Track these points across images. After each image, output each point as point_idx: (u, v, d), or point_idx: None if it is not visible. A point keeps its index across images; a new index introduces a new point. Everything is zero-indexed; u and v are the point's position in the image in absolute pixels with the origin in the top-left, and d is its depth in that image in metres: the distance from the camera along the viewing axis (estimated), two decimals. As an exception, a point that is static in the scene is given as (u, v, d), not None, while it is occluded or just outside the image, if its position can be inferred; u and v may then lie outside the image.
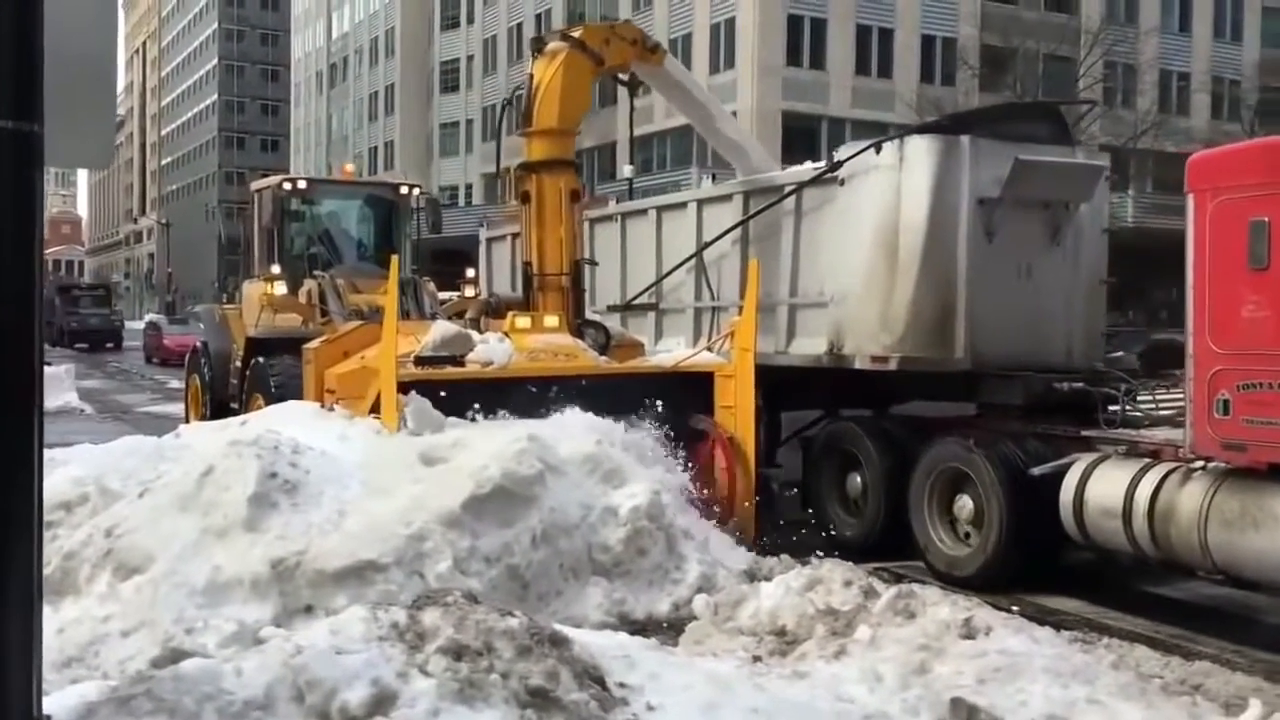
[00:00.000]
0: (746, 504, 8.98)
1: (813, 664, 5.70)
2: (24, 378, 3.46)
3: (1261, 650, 6.92)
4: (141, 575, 6.47)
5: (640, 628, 6.79)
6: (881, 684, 5.37)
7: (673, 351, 10.58)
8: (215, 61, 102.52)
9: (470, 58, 60.82)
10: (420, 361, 8.74)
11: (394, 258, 8.73)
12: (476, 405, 8.22)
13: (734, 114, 40.63)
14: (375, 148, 68.07)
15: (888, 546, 9.25)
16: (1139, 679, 5.59)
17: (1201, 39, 49.23)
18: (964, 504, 8.68)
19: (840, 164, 9.82)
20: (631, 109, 32.50)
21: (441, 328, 9.24)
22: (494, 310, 11.59)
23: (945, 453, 8.87)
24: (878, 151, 9.44)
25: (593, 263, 11.75)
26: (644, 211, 12.83)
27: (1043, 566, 8.36)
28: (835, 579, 6.70)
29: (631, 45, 11.26)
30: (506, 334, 9.47)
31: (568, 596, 7.07)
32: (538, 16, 54.98)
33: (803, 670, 5.59)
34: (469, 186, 58.92)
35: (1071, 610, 7.85)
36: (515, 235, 15.00)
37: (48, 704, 3.73)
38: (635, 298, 12.19)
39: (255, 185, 13.99)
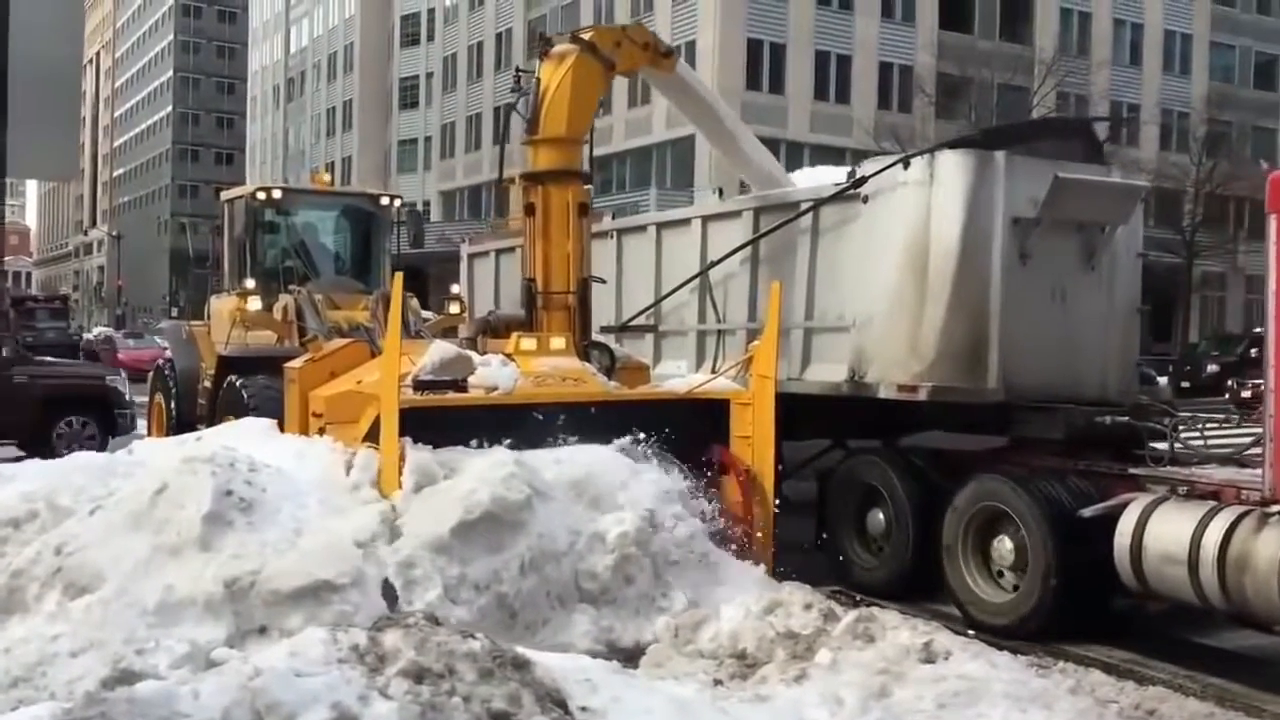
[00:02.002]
0: (763, 538, 8.32)
1: (774, 687, 5.70)
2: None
3: (1212, 676, 7.00)
4: (91, 594, 6.33)
5: (629, 657, 6.61)
6: (842, 708, 5.38)
7: (679, 376, 10.02)
8: (171, 73, 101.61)
9: (430, 75, 60.81)
10: (419, 386, 8.00)
11: (398, 274, 8.10)
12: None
13: (693, 136, 41.32)
14: (332, 163, 67.59)
15: (914, 589, 8.67)
16: (1096, 704, 5.66)
17: (1151, 72, 50.29)
18: (1003, 546, 8.02)
19: (864, 180, 9.24)
20: (591, 130, 32.55)
21: (440, 348, 8.48)
22: (494, 329, 10.96)
23: (982, 490, 8.19)
24: (906, 167, 8.90)
25: (600, 280, 10.93)
26: (643, 228, 12.30)
27: (1091, 616, 7.77)
28: (795, 602, 6.70)
29: (643, 49, 10.65)
30: (510, 356, 8.83)
31: (555, 625, 6.86)
32: (498, 35, 55.15)
33: (764, 694, 5.59)
34: (426, 203, 58.70)
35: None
36: (500, 251, 14.52)
37: (-3, 727, 3.64)
38: (633, 318, 11.53)
39: (226, 195, 13.41)
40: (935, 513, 8.50)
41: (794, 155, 40.05)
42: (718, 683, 5.90)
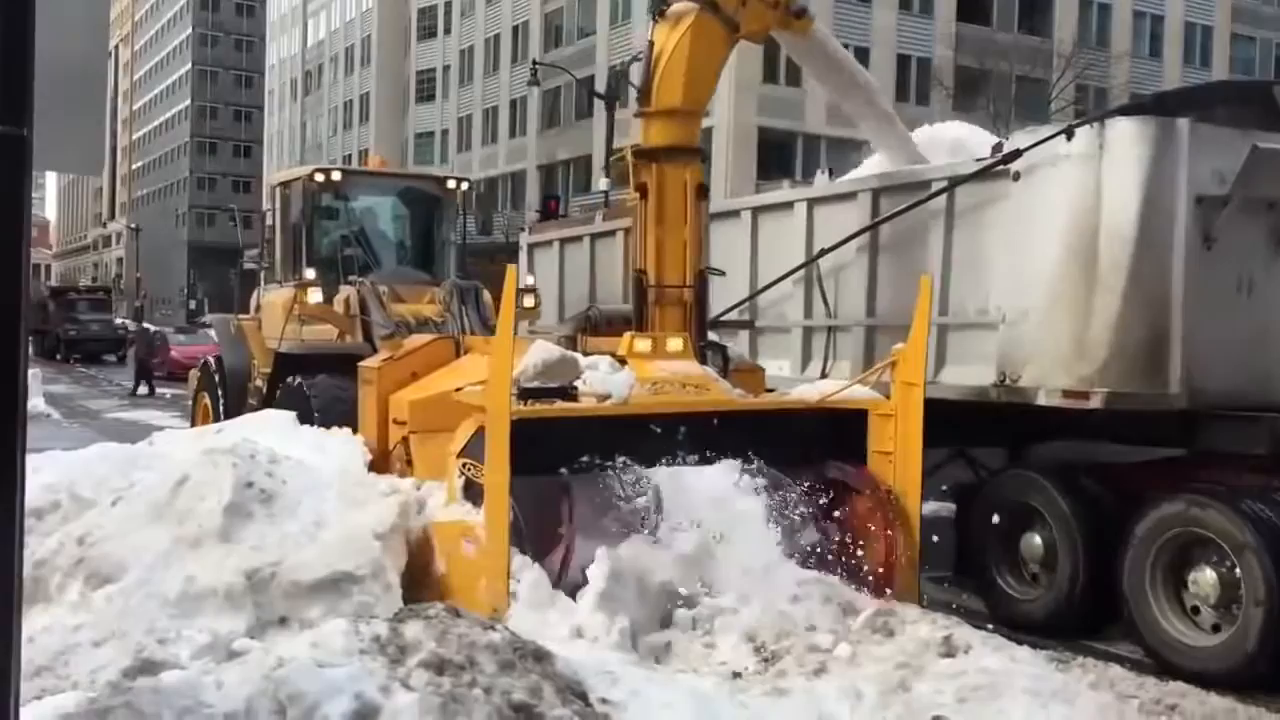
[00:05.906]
0: (907, 566, 7.25)
1: (793, 681, 5.69)
2: (7, 385, 3.42)
3: (1234, 672, 6.96)
4: (113, 584, 6.39)
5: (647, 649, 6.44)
6: (862, 702, 5.37)
7: (786, 378, 8.99)
8: (189, 66, 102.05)
9: (446, 68, 60.94)
10: (524, 394, 6.82)
11: (511, 266, 6.53)
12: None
13: (709, 130, 41.24)
14: (349, 155, 67.91)
15: (1084, 625, 7.78)
16: (1117, 699, 5.62)
17: (1171, 64, 49.98)
18: (1204, 579, 7.01)
19: (1016, 154, 8.09)
20: (611, 121, 32.56)
21: (543, 349, 7.47)
22: (594, 327, 9.90)
23: (1177, 513, 7.11)
24: (1069, 138, 7.75)
25: (719, 272, 9.63)
26: (735, 213, 11.01)
27: None
28: (814, 596, 6.69)
29: (772, 8, 9.36)
30: (622, 359, 7.77)
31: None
32: (514, 28, 55.22)
33: (783, 687, 5.58)
34: (443, 196, 58.83)
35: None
36: (564, 240, 13.79)
37: (23, 715, 3.67)
38: (725, 313, 10.26)
39: (278, 178, 12.62)
40: (1110, 538, 7.52)
41: (810, 148, 40.06)
42: (737, 676, 5.89)
